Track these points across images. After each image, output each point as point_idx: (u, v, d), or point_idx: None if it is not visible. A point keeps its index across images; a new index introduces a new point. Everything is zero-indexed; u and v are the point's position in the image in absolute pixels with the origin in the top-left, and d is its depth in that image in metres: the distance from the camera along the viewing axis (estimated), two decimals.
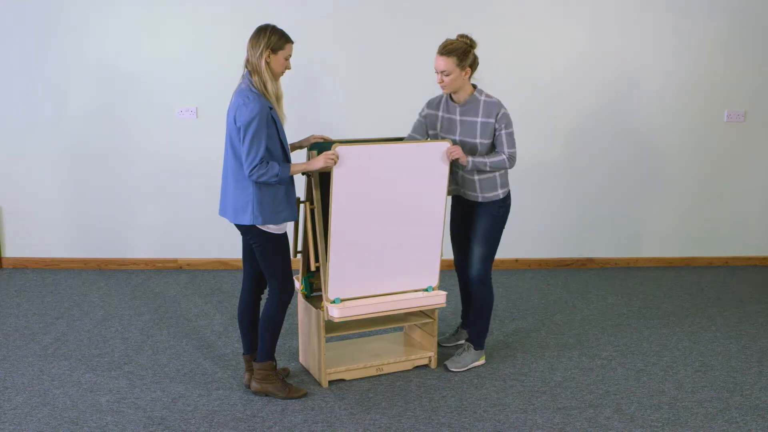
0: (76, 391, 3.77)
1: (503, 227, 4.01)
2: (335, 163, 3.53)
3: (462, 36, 3.77)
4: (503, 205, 3.96)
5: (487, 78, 3.93)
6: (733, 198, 5.87)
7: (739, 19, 5.57)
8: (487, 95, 3.83)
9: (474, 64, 3.80)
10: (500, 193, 3.92)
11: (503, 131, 3.80)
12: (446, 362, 4.06)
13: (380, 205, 3.72)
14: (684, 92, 5.65)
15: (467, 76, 3.79)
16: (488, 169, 3.83)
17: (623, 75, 5.59)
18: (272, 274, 3.61)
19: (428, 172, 3.75)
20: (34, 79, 5.45)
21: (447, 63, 3.71)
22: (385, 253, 3.81)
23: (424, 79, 5.43)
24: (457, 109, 3.85)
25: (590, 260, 5.89)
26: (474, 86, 3.85)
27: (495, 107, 3.80)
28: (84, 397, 3.72)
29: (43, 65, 5.43)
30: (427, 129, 3.97)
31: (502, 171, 3.90)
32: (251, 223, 3.49)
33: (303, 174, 3.79)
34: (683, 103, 5.67)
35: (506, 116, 3.81)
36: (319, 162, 3.52)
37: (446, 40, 3.77)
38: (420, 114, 3.99)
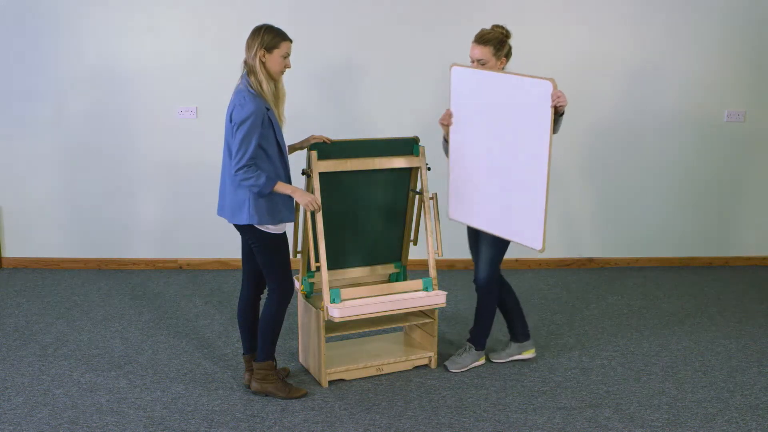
0: (76, 391, 3.77)
1: None
2: (315, 210, 3.56)
3: (497, 26, 3.77)
4: None
5: None
6: (733, 198, 5.87)
7: (740, 19, 5.56)
8: None
9: (509, 54, 3.80)
10: None
11: None
12: (446, 362, 4.07)
13: (486, 134, 3.72)
14: (684, 92, 5.65)
15: (502, 66, 3.79)
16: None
17: (623, 76, 5.59)
18: (271, 274, 3.61)
19: (529, 112, 3.53)
20: (34, 79, 5.44)
21: (483, 52, 3.72)
22: (491, 188, 3.79)
23: (423, 81, 5.45)
24: None
25: (590, 260, 5.89)
26: None
27: None
28: (84, 397, 3.72)
29: (42, 65, 5.42)
30: None
31: None
32: (248, 223, 3.49)
33: (302, 174, 3.80)
34: (683, 103, 5.67)
35: None
36: (303, 198, 3.52)
37: (482, 30, 3.77)
38: None
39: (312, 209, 3.56)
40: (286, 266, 3.63)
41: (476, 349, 4.08)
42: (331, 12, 5.39)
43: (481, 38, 3.74)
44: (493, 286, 3.98)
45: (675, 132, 5.71)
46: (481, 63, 3.74)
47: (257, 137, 3.39)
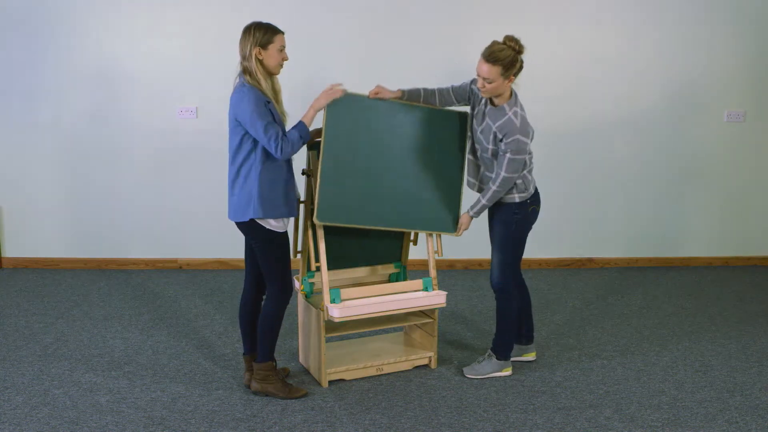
0: (76, 391, 3.77)
1: (522, 233, 3.83)
2: (339, 94, 3.57)
3: (510, 40, 3.50)
4: (519, 211, 3.77)
5: None
6: (732, 198, 5.87)
7: (740, 20, 5.57)
8: (515, 113, 3.60)
9: (518, 71, 3.56)
10: (516, 197, 3.74)
11: (507, 155, 3.59)
12: (464, 368, 4.01)
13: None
14: (684, 92, 5.66)
15: (509, 84, 3.58)
16: (489, 204, 3.74)
17: (623, 76, 5.59)
18: (272, 274, 3.61)
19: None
20: (34, 79, 5.45)
21: (491, 71, 3.48)
22: None
23: (421, 81, 5.44)
24: (489, 107, 3.69)
25: (590, 260, 5.89)
26: (512, 93, 3.65)
27: (510, 129, 3.58)
28: (84, 397, 3.72)
29: (42, 65, 5.43)
30: (461, 99, 3.81)
31: (521, 177, 3.72)
32: (252, 217, 3.48)
33: (302, 174, 3.80)
34: (683, 104, 5.67)
35: (516, 142, 3.57)
36: (326, 97, 3.56)
37: (494, 44, 3.50)
38: (471, 83, 3.77)
39: (339, 95, 3.57)
40: (286, 266, 3.63)
41: (497, 358, 3.96)
42: (332, 12, 5.39)
43: (490, 55, 3.47)
44: (508, 291, 3.88)
45: (675, 132, 5.71)
46: (487, 81, 3.51)
47: (271, 115, 3.40)
